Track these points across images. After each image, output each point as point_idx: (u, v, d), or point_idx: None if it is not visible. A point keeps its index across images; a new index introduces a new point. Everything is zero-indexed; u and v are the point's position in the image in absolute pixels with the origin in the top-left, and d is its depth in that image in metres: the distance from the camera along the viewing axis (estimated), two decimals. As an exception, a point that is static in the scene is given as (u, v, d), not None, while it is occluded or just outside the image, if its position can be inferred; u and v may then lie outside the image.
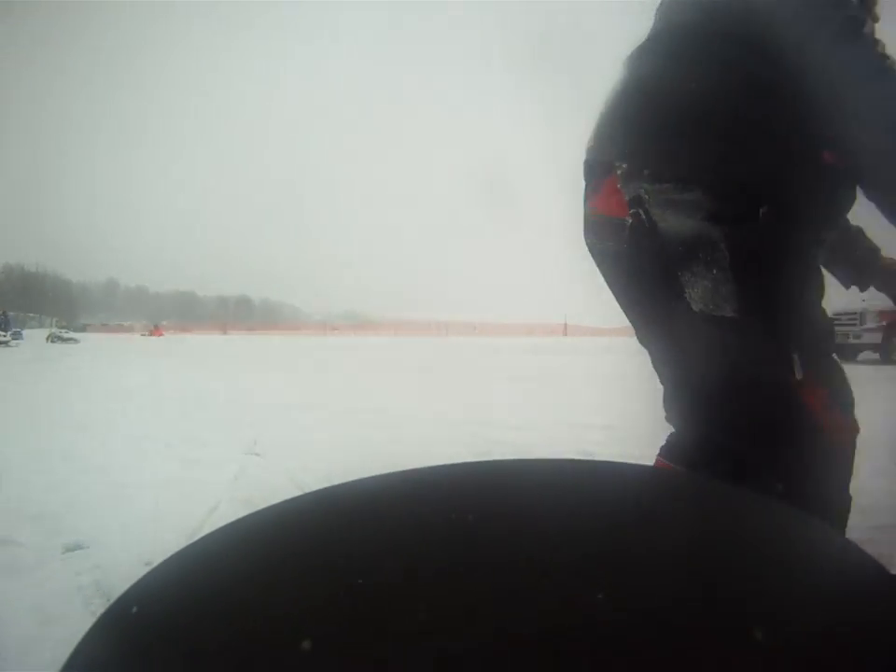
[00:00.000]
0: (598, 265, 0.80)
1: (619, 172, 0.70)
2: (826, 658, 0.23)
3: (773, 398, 0.68)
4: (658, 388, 0.82)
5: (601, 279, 0.81)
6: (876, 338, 8.76)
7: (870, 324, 8.76)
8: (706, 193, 0.64)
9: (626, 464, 0.47)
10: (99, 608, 1.26)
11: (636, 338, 0.83)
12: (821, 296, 0.70)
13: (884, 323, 8.62)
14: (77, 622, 1.19)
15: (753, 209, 0.63)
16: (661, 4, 0.80)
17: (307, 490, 0.44)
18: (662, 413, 0.83)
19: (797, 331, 0.66)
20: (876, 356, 8.91)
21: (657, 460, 0.85)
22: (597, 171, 0.75)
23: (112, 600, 0.30)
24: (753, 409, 0.69)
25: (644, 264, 0.71)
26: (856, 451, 0.73)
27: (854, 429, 0.71)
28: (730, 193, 0.64)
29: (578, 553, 0.33)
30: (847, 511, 0.72)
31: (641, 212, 0.68)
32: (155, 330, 43.30)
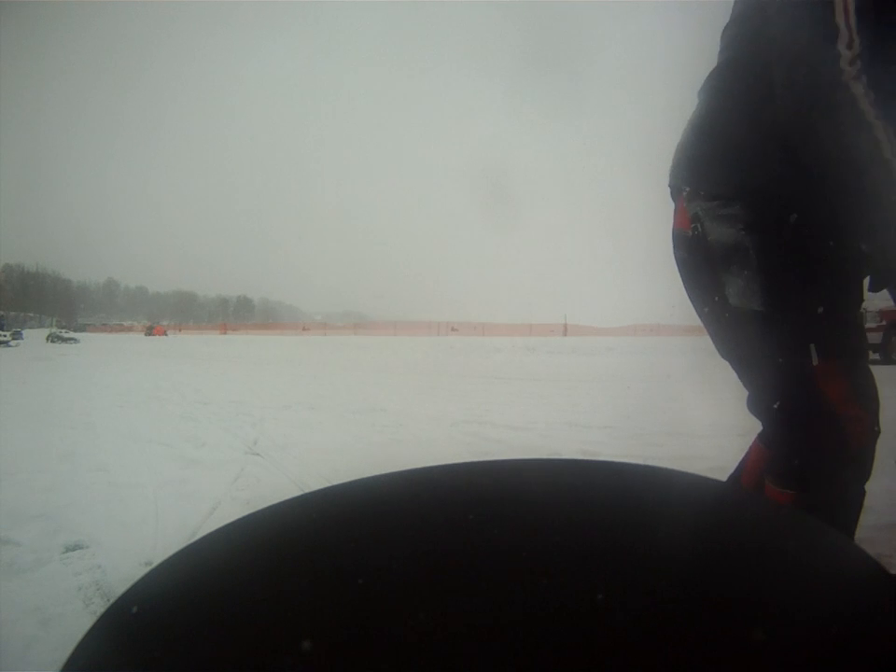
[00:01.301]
0: (678, 271, 0.96)
1: (684, 194, 0.87)
2: (826, 657, 0.23)
3: (791, 382, 0.78)
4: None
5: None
6: (876, 338, 8.76)
7: (870, 324, 8.76)
8: (743, 208, 0.79)
9: (626, 464, 0.47)
10: (99, 608, 1.26)
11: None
12: (851, 299, 0.79)
13: (884, 323, 8.63)
14: (76, 622, 1.19)
15: (779, 221, 0.76)
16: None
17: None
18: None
19: (814, 324, 0.76)
20: (876, 356, 8.91)
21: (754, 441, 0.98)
22: (674, 194, 0.92)
23: (112, 600, 0.30)
24: (777, 391, 0.80)
25: (699, 268, 0.86)
26: (874, 453, 0.79)
27: (872, 427, 0.78)
28: (761, 207, 0.78)
29: (578, 552, 0.33)
30: (859, 505, 0.80)
31: (699, 226, 0.84)
32: (155, 329, 43.26)
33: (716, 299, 0.83)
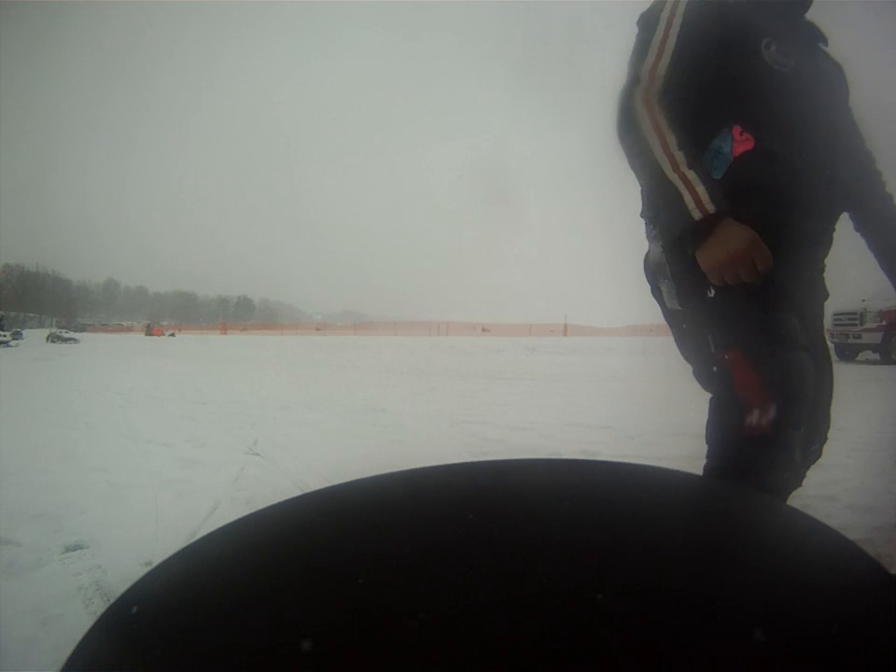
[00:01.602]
0: None
1: (643, 223, 1.05)
2: (826, 656, 0.23)
3: (701, 368, 0.92)
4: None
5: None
6: (876, 338, 8.76)
7: (870, 324, 8.76)
8: (659, 228, 0.96)
9: (626, 464, 0.47)
10: (99, 608, 1.26)
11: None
12: (764, 298, 0.84)
13: (884, 323, 8.62)
14: (76, 622, 1.19)
15: None
16: None
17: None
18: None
19: (710, 317, 0.88)
20: (876, 356, 8.92)
21: None
22: None
23: (112, 600, 0.30)
24: (698, 377, 0.95)
25: (650, 281, 1.03)
26: (790, 444, 0.80)
27: (781, 416, 0.79)
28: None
29: (578, 551, 0.33)
30: (780, 492, 0.86)
31: (647, 248, 1.02)
32: (154, 330, 43.34)
33: (660, 306, 1.02)
